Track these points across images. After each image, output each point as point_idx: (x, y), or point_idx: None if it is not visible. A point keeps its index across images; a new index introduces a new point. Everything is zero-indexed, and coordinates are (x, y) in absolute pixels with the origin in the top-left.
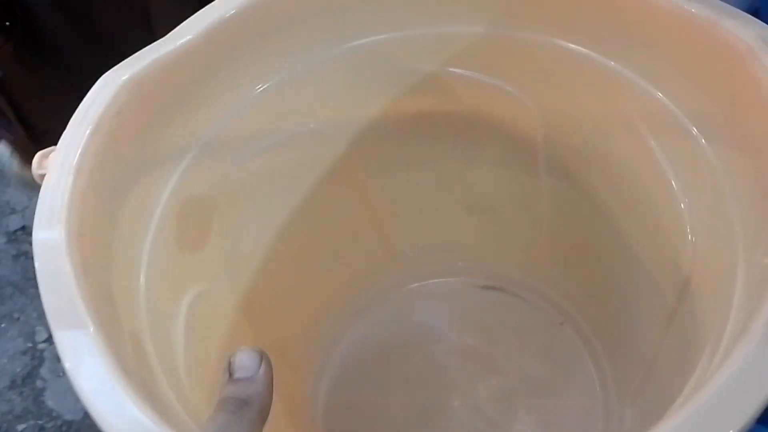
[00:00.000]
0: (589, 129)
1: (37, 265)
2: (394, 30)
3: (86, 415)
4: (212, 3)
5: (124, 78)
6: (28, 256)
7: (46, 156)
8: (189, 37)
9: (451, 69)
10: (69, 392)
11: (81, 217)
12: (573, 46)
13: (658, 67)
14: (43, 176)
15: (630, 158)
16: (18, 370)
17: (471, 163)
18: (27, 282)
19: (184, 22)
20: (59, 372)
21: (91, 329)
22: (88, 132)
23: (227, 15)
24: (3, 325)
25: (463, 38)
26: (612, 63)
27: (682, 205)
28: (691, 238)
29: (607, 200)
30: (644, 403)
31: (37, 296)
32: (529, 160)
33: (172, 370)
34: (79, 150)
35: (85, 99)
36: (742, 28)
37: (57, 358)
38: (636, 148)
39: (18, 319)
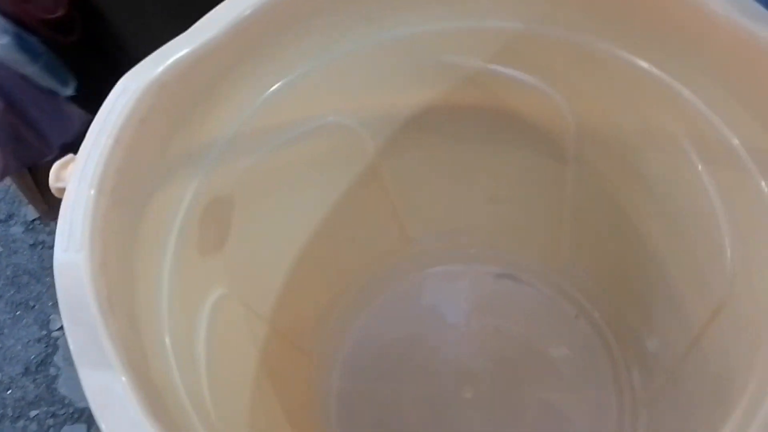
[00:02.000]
0: (626, 136)
1: (59, 293)
2: (426, 23)
3: None
4: None
5: (145, 82)
6: (45, 245)
7: (65, 167)
8: (210, 34)
9: (483, 63)
10: None
11: (104, 240)
12: (619, 51)
13: (715, 89)
14: (60, 189)
15: (670, 173)
16: (32, 357)
17: (496, 153)
18: (43, 271)
19: (204, 19)
20: (72, 360)
21: (118, 370)
22: (110, 143)
23: (248, 11)
24: (18, 313)
25: (500, 34)
26: (660, 74)
27: (724, 234)
28: (731, 267)
29: (638, 205)
30: (662, 409)
31: (52, 285)
32: (557, 154)
33: (195, 383)
34: (101, 163)
35: (104, 105)
36: None
37: None
38: (678, 165)
39: (33, 307)
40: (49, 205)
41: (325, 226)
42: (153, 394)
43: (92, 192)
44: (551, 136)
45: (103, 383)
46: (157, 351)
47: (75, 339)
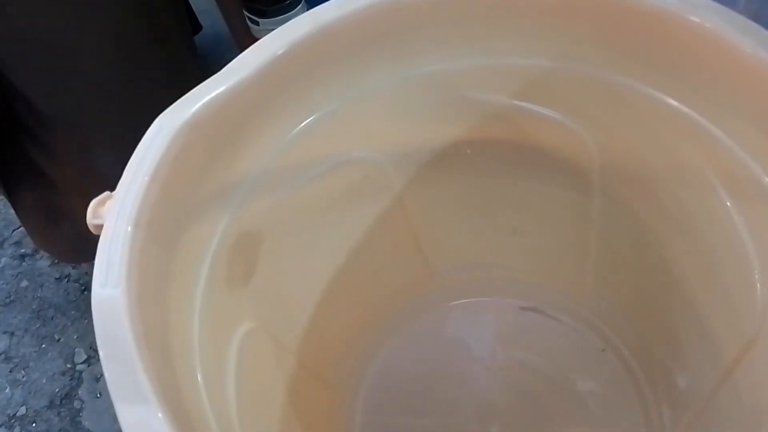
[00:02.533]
0: (654, 171)
1: (97, 329)
2: (451, 60)
3: None
4: (264, 38)
5: (180, 121)
6: (71, 279)
7: (102, 204)
8: (242, 75)
9: (508, 99)
10: (105, 413)
11: (141, 275)
12: (645, 87)
13: (743, 126)
14: (98, 226)
15: (699, 209)
16: (57, 390)
17: (520, 186)
18: (69, 304)
19: (236, 60)
20: (96, 393)
21: (154, 405)
22: (146, 180)
23: (280, 51)
24: (44, 346)
25: (524, 70)
26: (688, 111)
27: (755, 269)
28: (762, 301)
29: (666, 240)
30: None
31: (77, 318)
32: (582, 187)
33: (226, 415)
34: (138, 200)
35: (141, 143)
36: None
37: (95, 379)
38: (707, 201)
39: (59, 340)
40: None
41: (350, 258)
42: (188, 429)
43: (129, 228)
44: (576, 169)
45: (140, 418)
46: (190, 384)
47: (112, 374)
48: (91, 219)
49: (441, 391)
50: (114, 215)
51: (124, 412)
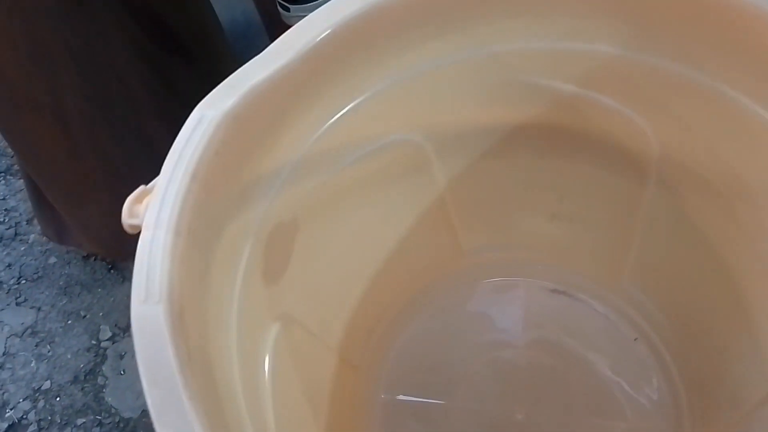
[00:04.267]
0: (721, 171)
1: (138, 349)
2: (510, 42)
3: (143, 414)
4: (308, 18)
5: (221, 111)
6: (98, 257)
7: (139, 200)
8: (287, 58)
9: (564, 84)
10: (128, 390)
11: (182, 289)
12: (720, 84)
13: None
14: (134, 226)
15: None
16: (81, 365)
17: (566, 171)
18: (95, 282)
19: (278, 41)
20: (120, 370)
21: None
22: (186, 180)
23: (327, 32)
24: (69, 322)
25: (589, 57)
26: (765, 113)
27: None
28: None
29: (728, 243)
30: None
31: (103, 296)
32: (636, 177)
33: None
34: (179, 202)
35: (179, 136)
36: None
37: (119, 357)
38: None
39: (84, 317)
40: (55, 226)
41: (383, 242)
42: None
43: (170, 236)
44: (631, 158)
45: None
46: (231, 399)
47: (154, 399)
48: (126, 218)
49: (466, 372)
50: (153, 218)
51: None
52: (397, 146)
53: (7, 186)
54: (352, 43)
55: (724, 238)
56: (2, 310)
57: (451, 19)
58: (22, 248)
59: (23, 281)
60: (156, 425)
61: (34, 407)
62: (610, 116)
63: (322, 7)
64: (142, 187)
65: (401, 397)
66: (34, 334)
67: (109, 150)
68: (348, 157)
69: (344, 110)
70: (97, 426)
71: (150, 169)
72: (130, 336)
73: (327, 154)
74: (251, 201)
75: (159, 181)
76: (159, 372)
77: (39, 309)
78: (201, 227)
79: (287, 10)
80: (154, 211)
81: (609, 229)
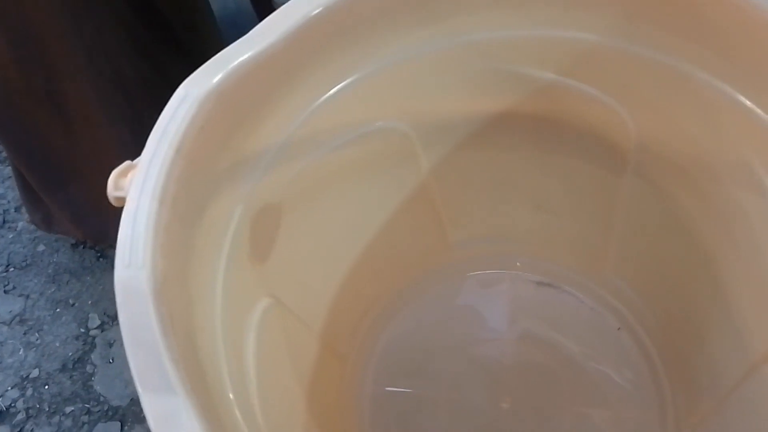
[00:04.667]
0: (700, 159)
1: (121, 313)
2: (494, 29)
3: (132, 402)
4: (293, 1)
5: (205, 89)
6: (87, 245)
7: (124, 174)
8: (272, 39)
9: (545, 73)
10: (117, 378)
11: (165, 255)
12: (699, 72)
13: None
14: (119, 199)
15: (743, 200)
16: (70, 354)
17: (548, 163)
18: (84, 270)
19: (265, 22)
20: (109, 358)
21: (182, 398)
22: (171, 153)
23: (313, 13)
24: (58, 310)
25: (570, 45)
26: (743, 99)
27: None
28: None
29: (704, 229)
30: None
31: (92, 284)
32: (614, 166)
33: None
34: (162, 173)
35: (164, 111)
36: None
37: (108, 345)
38: (750, 189)
39: (73, 305)
40: (42, 213)
41: (368, 230)
42: (215, 418)
43: (155, 204)
44: (610, 147)
45: (167, 410)
46: (215, 370)
47: (137, 362)
48: (112, 191)
49: (452, 363)
50: (137, 189)
51: (150, 403)
52: (382, 134)
53: None
54: (337, 27)
55: (700, 225)
56: None
57: (435, 6)
58: (11, 236)
59: (11, 269)
60: (138, 387)
61: (23, 395)
62: (590, 104)
63: None
64: (127, 162)
65: (389, 388)
66: (22, 322)
67: (101, 133)
68: (333, 142)
69: (328, 94)
70: (85, 414)
71: (139, 153)
72: (118, 324)
73: (312, 138)
74: (236, 179)
75: (143, 155)
76: (141, 335)
77: (27, 297)
78: (185, 198)
79: None
80: (138, 182)
81: (590, 220)
